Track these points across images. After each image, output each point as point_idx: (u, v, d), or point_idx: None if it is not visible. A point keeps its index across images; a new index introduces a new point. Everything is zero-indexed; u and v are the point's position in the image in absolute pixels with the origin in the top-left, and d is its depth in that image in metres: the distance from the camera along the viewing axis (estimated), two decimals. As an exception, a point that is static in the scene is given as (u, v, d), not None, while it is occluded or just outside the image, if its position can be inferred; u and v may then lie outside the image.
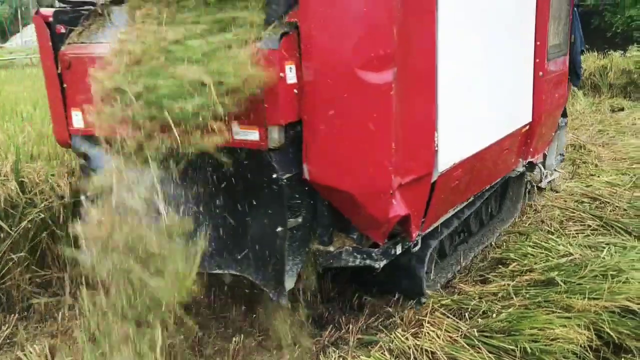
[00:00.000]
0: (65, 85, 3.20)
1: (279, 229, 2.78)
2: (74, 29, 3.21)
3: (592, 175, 6.36)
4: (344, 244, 3.06)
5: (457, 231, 4.19)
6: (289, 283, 2.89)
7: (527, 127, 4.26)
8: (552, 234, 4.44)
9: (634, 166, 6.67)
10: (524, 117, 4.21)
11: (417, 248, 3.34)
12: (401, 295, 3.63)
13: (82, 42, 3.13)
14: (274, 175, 2.71)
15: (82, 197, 2.79)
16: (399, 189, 2.73)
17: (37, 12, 3.25)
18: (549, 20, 4.24)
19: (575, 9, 5.07)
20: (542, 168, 4.90)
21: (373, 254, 3.03)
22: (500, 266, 4.01)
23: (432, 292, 3.67)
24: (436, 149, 2.96)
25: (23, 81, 8.73)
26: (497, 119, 3.78)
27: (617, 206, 5.00)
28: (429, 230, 3.38)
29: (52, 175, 3.70)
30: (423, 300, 3.55)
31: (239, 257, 2.93)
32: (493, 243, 4.43)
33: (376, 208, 2.75)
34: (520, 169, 4.51)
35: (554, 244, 4.05)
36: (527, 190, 5.15)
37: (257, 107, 2.57)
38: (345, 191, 2.72)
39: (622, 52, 13.14)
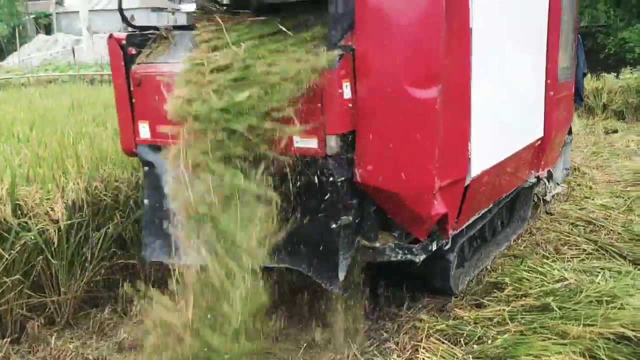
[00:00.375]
0: (134, 101, 3.62)
1: (334, 225, 3.16)
2: (143, 51, 3.65)
3: (586, 197, 6.38)
4: (387, 241, 3.41)
5: (475, 236, 4.49)
6: (341, 275, 3.19)
7: (539, 141, 4.72)
8: (547, 258, 4.44)
9: (628, 189, 6.70)
10: (537, 132, 4.68)
11: (448, 246, 3.67)
12: (431, 293, 4.05)
13: (150, 62, 3.57)
14: (331, 179, 3.12)
15: (145, 201, 3.65)
16: (439, 191, 3.13)
17: (110, 36, 3.69)
18: (559, 45, 4.75)
19: (578, 35, 5.53)
20: (547, 182, 5.35)
21: (414, 249, 3.41)
22: (495, 290, 4.00)
23: (427, 317, 3.70)
24: (469, 156, 3.38)
25: (20, 101, 8.74)
26: (515, 133, 4.28)
27: (611, 230, 5.01)
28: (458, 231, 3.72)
29: (48, 199, 3.69)
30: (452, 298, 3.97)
31: (295, 252, 3.27)
32: (498, 255, 4.56)
33: (421, 206, 3.16)
34: (532, 180, 4.88)
35: (549, 269, 4.05)
36: (535, 202, 5.57)
37: (315, 119, 3.02)
38: (394, 192, 3.14)
39: (615, 74, 13.28)
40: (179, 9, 45.08)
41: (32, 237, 3.56)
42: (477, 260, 4.47)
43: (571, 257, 4.51)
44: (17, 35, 30.57)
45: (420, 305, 4.00)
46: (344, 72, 3.01)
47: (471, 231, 4.11)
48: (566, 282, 3.78)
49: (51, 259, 3.71)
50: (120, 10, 3.97)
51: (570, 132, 6.03)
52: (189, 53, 3.32)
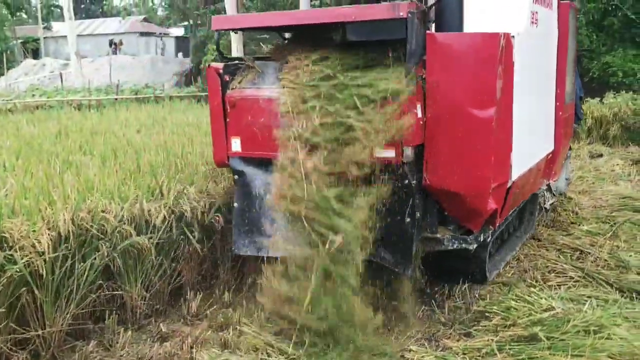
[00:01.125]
0: (228, 120, 4.37)
1: (408, 219, 3.90)
2: (235, 78, 4.38)
3: (572, 223, 6.42)
4: (445, 233, 4.14)
5: (501, 233, 5.12)
6: (413, 261, 3.95)
7: (551, 154, 5.57)
8: (535, 286, 4.45)
9: (613, 214, 6.75)
10: (550, 146, 5.55)
11: (490, 238, 4.38)
12: (468, 280, 4.61)
13: (243, 88, 4.32)
14: (406, 182, 3.89)
15: (235, 204, 4.40)
16: (492, 191, 3.88)
17: (209, 66, 4.47)
18: (566, 74, 5.70)
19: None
20: (545, 193, 6.15)
21: (468, 239, 4.12)
22: (483, 319, 4.01)
23: (416, 347, 3.69)
24: (511, 164, 4.12)
25: (5, 128, 8.68)
26: (537, 146, 5.13)
27: (598, 257, 5.04)
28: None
29: (34, 230, 3.65)
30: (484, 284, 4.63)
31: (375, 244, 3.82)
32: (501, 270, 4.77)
33: (479, 203, 3.92)
34: (544, 187, 5.82)
35: (536, 297, 4.05)
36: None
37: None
38: (458, 192, 3.88)
39: (599, 98, 13.44)
40: (167, 34, 45.30)
41: (18, 269, 3.52)
42: (501, 254, 5.13)
43: (558, 285, 4.53)
44: (4, 59, 30.52)
45: (408, 334, 4.00)
46: (417, 96, 3.79)
47: (500, 228, 4.77)
48: (554, 312, 3.79)
49: (36, 292, 3.67)
50: (218, 45, 4.93)
51: (570, 148, 6.94)
52: (276, 81, 4.18)
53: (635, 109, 11.97)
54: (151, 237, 4.18)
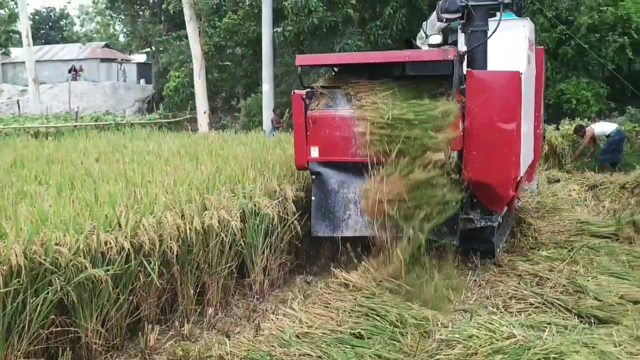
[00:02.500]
0: (308, 133, 5.84)
1: (454, 204, 5.33)
2: (311, 102, 5.90)
3: (532, 248, 6.52)
4: (475, 215, 5.76)
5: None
6: (458, 234, 5.58)
7: (532, 162, 7.15)
8: (495, 313, 4.47)
9: (571, 239, 6.88)
10: (532, 155, 7.16)
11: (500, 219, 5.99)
12: (481, 256, 6.04)
13: (320, 109, 5.85)
14: (452, 176, 5.44)
15: (313, 198, 5.86)
16: (512, 182, 5.58)
17: (294, 93, 6.04)
18: (541, 100, 7.62)
19: None
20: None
21: (492, 219, 5.77)
22: (446, 348, 3.99)
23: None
24: (520, 164, 5.77)
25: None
26: (528, 154, 6.63)
27: (557, 282, 5.10)
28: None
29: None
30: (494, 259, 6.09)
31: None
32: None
33: (503, 191, 5.59)
34: (526, 187, 7.80)
35: (497, 325, 4.06)
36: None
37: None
38: (488, 183, 5.51)
39: (555, 125, 13.81)
40: (129, 60, 44.96)
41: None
42: (500, 233, 6.42)
43: (519, 312, 4.56)
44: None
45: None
46: (461, 115, 5.42)
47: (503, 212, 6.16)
48: (515, 339, 3.80)
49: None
50: (300, 78, 7.00)
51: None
52: (346, 104, 5.78)
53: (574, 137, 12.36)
54: (107, 270, 4.06)
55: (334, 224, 5.81)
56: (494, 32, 5.60)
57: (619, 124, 14.12)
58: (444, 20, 6.06)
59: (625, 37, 19.99)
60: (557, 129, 13.28)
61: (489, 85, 5.46)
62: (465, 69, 5.65)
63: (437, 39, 6.13)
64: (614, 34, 19.65)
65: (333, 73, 6.45)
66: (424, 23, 8.09)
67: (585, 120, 14.62)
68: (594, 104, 18.83)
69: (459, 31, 6.32)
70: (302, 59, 6.31)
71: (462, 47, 6.10)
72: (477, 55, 5.76)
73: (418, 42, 8.12)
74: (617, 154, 11.71)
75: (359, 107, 5.58)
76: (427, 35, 7.28)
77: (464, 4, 5.67)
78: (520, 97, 5.47)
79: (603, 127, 12.05)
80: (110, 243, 4.11)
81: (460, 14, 5.79)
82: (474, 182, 5.51)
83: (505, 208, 6.09)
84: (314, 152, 5.83)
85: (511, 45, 6.17)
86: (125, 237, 4.24)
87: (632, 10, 20.02)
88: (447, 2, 5.70)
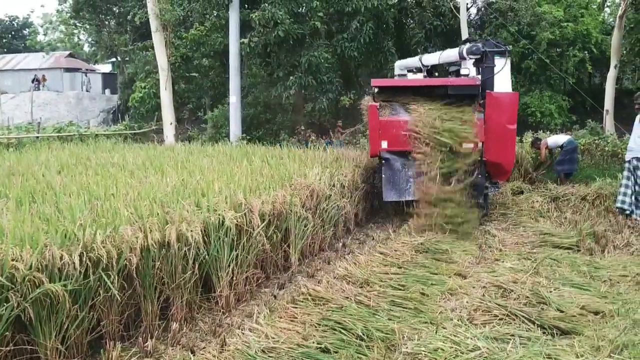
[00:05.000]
0: (380, 131, 8.67)
1: (479, 176, 8.55)
2: (381, 111, 8.75)
3: (497, 260, 6.60)
4: (489, 184, 9.09)
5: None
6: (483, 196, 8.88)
7: None
8: (461, 326, 4.49)
9: (534, 250, 7.00)
10: None
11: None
12: (481, 211, 8.71)
13: (387, 115, 8.77)
14: (479, 159, 8.55)
15: (383, 176, 8.78)
16: (512, 162, 9.28)
17: (371, 104, 8.81)
18: None
19: None
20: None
21: (498, 186, 9.83)
22: (412, 362, 3.99)
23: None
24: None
25: None
26: None
27: (520, 294, 5.16)
28: None
29: None
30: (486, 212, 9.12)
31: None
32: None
33: (508, 168, 9.04)
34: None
35: (462, 337, 4.09)
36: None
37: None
38: (499, 162, 8.77)
39: (519, 137, 14.03)
40: (94, 70, 44.33)
41: None
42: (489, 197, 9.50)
43: (483, 324, 4.59)
44: None
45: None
46: (481, 120, 8.55)
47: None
48: (479, 352, 3.82)
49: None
50: (373, 95, 9.40)
51: None
52: (404, 112, 8.81)
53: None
54: (65, 285, 3.95)
55: (399, 192, 8.74)
56: (502, 69, 8.63)
57: (579, 137, 14.46)
58: (469, 59, 8.98)
59: (585, 52, 20.55)
60: (521, 141, 13.51)
61: (501, 101, 8.64)
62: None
63: (466, 71, 9.12)
64: (574, 48, 20.17)
65: (375, 91, 9.33)
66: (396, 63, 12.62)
67: (548, 132, 14.91)
68: (557, 117, 19.25)
69: (466, 64, 9.32)
70: (376, 82, 9.45)
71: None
72: (488, 82, 8.70)
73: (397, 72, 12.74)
74: (573, 163, 12.04)
75: (415, 114, 8.64)
76: (399, 75, 12.34)
77: (483, 50, 8.64)
78: (517, 108, 9.00)
79: (556, 139, 12.37)
80: (64, 257, 3.99)
81: (479, 55, 8.69)
82: (490, 162, 8.68)
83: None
84: (384, 144, 8.69)
85: (502, 75, 8.82)
86: (83, 251, 4.14)
87: (592, 26, 20.59)
88: (473, 48, 8.70)
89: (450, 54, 10.02)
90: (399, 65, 12.98)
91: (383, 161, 8.76)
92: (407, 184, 8.68)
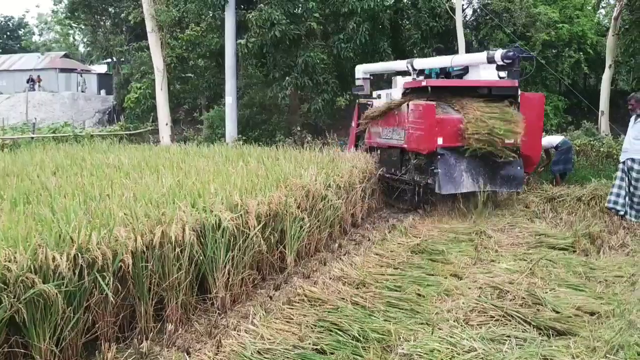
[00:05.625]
0: (436, 128, 9.33)
1: (519, 167, 9.79)
2: (437, 109, 9.69)
3: (492, 261, 6.60)
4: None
5: None
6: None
7: None
8: (457, 327, 4.49)
9: (530, 251, 7.00)
10: None
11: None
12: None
13: (441, 114, 9.58)
14: (518, 152, 9.68)
15: (439, 170, 9.25)
16: (540, 155, 11.13)
17: (426, 105, 9.41)
18: None
19: None
20: None
21: (528, 177, 11.13)
22: (408, 363, 3.99)
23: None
24: None
25: None
26: None
27: (516, 295, 5.15)
28: None
29: None
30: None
31: (496, 182, 9.61)
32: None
33: (536, 160, 10.68)
34: None
35: (458, 339, 4.08)
36: None
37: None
38: (529, 155, 10.07)
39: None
40: (89, 71, 44.22)
41: None
42: None
43: (480, 325, 4.58)
44: None
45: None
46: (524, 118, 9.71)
47: None
48: (475, 353, 3.82)
49: None
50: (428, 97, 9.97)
51: None
52: (453, 110, 9.64)
53: None
54: (59, 285, 3.93)
55: (455, 185, 9.25)
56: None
57: (575, 138, 14.51)
58: (504, 62, 9.85)
59: (581, 53, 20.60)
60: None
61: (532, 101, 10.10)
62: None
63: (503, 74, 10.11)
64: (569, 49, 20.22)
65: (406, 92, 10.19)
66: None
67: (543, 133, 14.94)
68: (552, 117, 19.29)
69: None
70: (430, 82, 10.07)
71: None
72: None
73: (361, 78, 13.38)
74: (568, 163, 12.12)
75: (465, 113, 9.32)
76: (364, 79, 13.27)
77: (516, 56, 9.80)
78: (544, 107, 10.66)
79: (550, 140, 12.43)
80: (57, 259, 3.96)
81: (512, 61, 9.81)
82: (523, 155, 9.73)
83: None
84: (440, 141, 9.23)
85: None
86: (78, 253, 4.12)
87: (587, 27, 20.65)
88: (509, 53, 9.77)
89: (471, 58, 11.04)
90: (364, 70, 13.30)
91: (438, 156, 9.26)
92: (460, 177, 9.28)
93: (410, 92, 10.08)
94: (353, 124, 12.69)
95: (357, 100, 12.86)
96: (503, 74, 10.14)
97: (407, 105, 9.72)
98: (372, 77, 13.45)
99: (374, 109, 11.21)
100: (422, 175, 9.76)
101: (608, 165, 13.05)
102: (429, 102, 9.28)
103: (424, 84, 9.76)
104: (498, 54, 9.88)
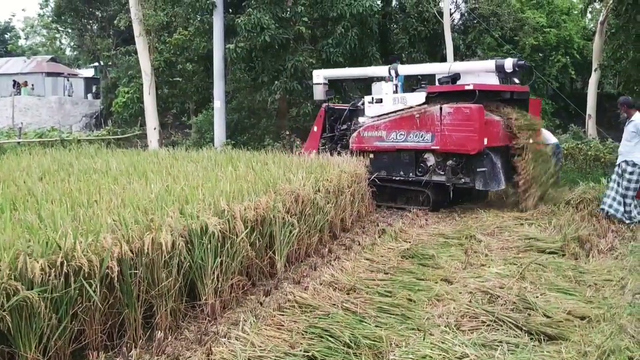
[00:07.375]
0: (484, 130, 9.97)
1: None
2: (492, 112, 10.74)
3: (483, 265, 6.59)
4: None
5: None
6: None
7: None
8: (448, 332, 4.47)
9: (520, 255, 7.01)
10: None
11: None
12: None
13: (486, 117, 10.24)
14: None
15: (484, 169, 9.93)
16: None
17: (472, 107, 9.88)
18: None
19: None
20: None
21: None
22: (400, 370, 3.96)
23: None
24: None
25: None
26: None
27: (507, 299, 5.14)
28: None
29: None
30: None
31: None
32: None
33: None
34: None
35: (450, 344, 4.06)
36: None
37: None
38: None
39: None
40: (76, 75, 43.91)
41: None
42: None
43: (471, 330, 4.57)
44: None
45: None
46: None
47: None
48: (467, 359, 3.80)
49: None
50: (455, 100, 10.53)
51: None
52: (492, 114, 10.30)
53: None
54: (43, 292, 3.86)
55: (498, 182, 9.87)
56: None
57: (562, 142, 14.58)
58: (515, 69, 10.61)
59: (568, 57, 20.76)
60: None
61: (536, 104, 11.56)
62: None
63: (517, 80, 11.16)
64: (557, 54, 20.38)
65: (431, 96, 10.52)
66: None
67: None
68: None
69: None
70: (477, 86, 10.06)
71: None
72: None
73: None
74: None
75: (504, 116, 10.14)
76: (323, 84, 13.41)
77: (527, 65, 11.14)
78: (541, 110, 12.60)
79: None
80: (36, 267, 3.90)
81: (522, 69, 10.96)
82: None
83: None
84: (486, 142, 9.78)
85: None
86: (64, 260, 4.06)
87: (574, 31, 20.82)
88: (519, 62, 10.65)
89: (476, 66, 11.63)
90: (325, 75, 13.45)
91: (484, 155, 9.84)
92: (500, 175, 9.87)
93: (437, 96, 10.45)
94: (315, 128, 12.72)
95: (323, 105, 12.80)
96: (517, 80, 11.24)
97: (440, 108, 10.07)
98: (327, 82, 13.41)
99: (388, 114, 11.03)
100: (457, 176, 10.17)
101: (596, 168, 13.13)
102: (477, 105, 9.72)
103: (469, 87, 10.03)
104: (509, 62, 10.65)
